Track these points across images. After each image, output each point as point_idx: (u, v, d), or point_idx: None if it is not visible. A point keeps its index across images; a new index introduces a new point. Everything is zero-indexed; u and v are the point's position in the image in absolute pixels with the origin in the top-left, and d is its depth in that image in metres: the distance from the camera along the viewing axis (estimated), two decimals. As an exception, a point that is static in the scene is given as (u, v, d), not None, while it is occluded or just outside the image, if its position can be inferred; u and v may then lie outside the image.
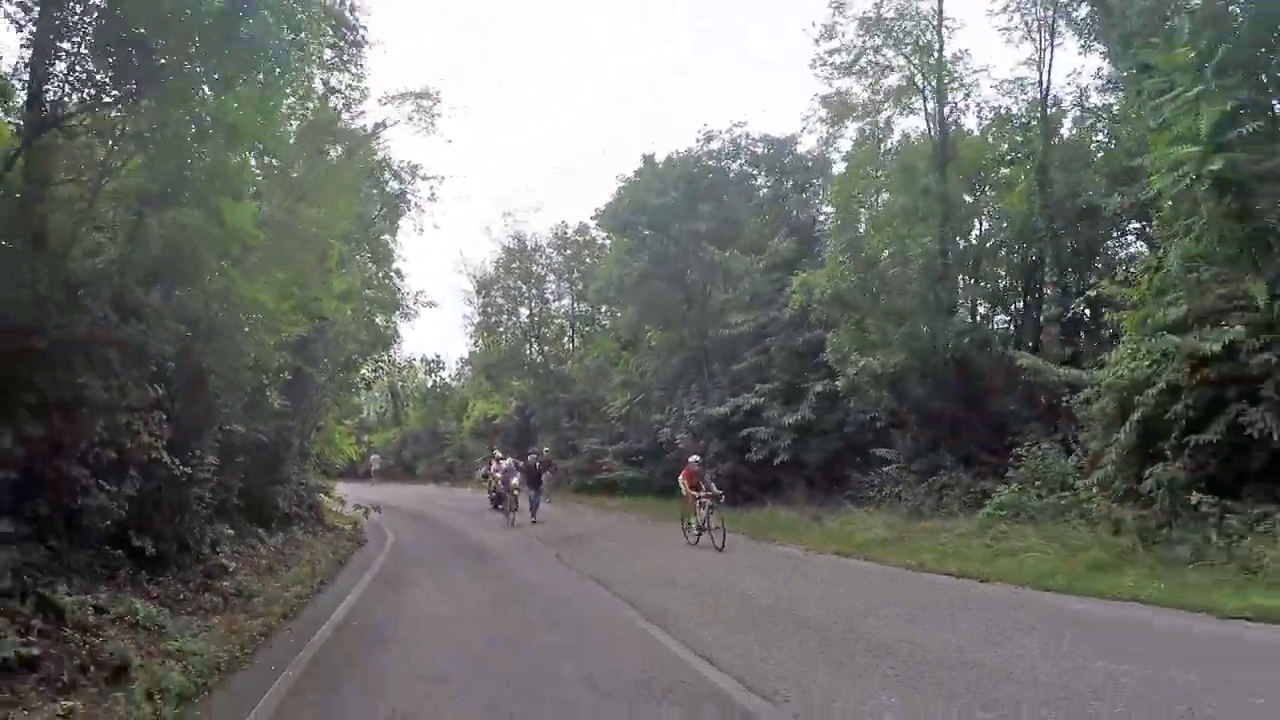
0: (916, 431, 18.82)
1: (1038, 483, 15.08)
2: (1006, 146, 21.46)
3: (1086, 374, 13.74)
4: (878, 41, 20.41)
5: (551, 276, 44.27)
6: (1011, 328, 20.53)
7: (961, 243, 20.96)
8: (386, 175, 25.87)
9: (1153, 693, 6.27)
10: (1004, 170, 21.57)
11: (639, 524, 23.82)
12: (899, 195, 19.87)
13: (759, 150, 29.15)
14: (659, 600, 11.31)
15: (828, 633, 8.90)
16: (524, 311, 44.49)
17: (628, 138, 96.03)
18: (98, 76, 8.61)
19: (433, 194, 28.23)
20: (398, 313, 29.74)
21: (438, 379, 58.93)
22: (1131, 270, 13.95)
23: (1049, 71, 19.75)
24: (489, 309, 44.48)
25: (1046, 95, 19.85)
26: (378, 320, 28.10)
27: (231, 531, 13.65)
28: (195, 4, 8.30)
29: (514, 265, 43.15)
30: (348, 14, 16.14)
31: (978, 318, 21.52)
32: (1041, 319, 18.80)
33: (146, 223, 9.45)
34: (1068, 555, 12.40)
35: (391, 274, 27.98)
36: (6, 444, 7.62)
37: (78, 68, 8.42)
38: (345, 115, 20.88)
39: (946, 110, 21.37)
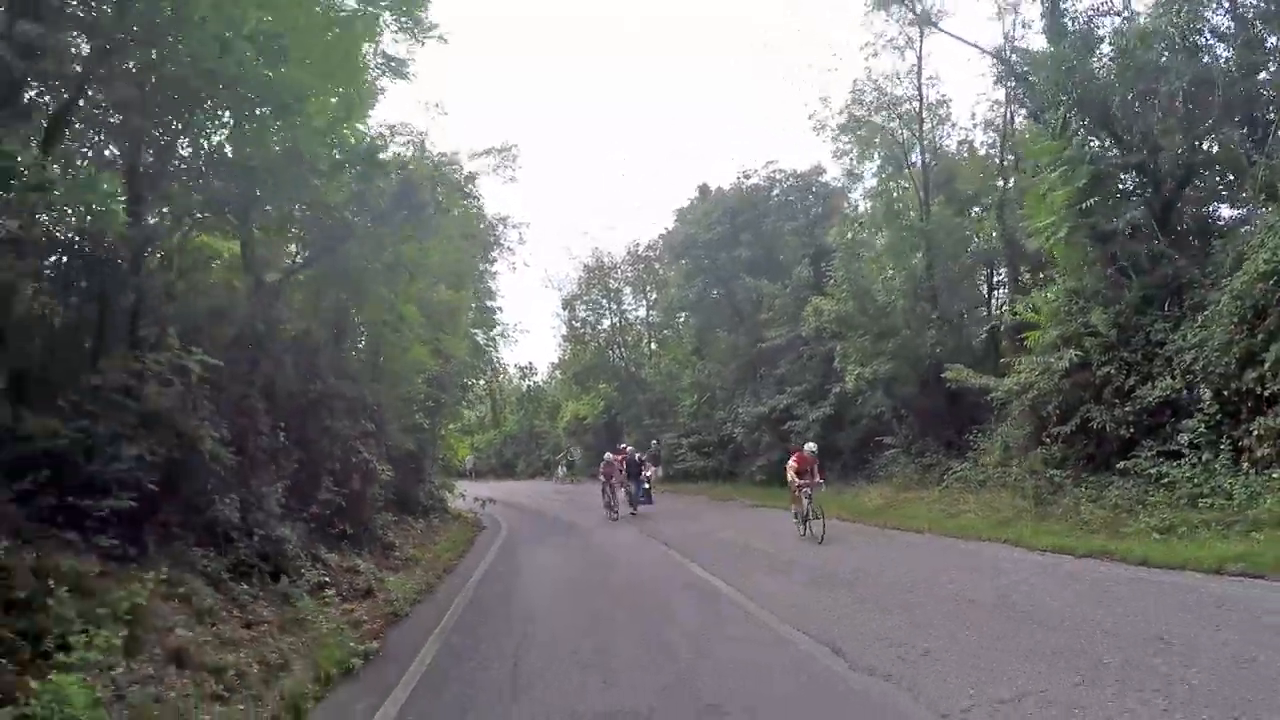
0: (910, 422, 23.65)
1: (986, 460, 19.86)
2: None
3: (994, 380, 18.43)
4: (862, 112, 25.17)
5: (628, 289, 49.86)
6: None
7: (954, 264, 25.55)
8: (481, 225, 31.47)
9: (947, 575, 11.71)
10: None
11: (704, 504, 29.39)
12: (885, 233, 24.68)
13: (789, 184, 34.09)
14: (692, 547, 17.17)
15: (787, 564, 14.35)
16: (605, 322, 50.19)
17: (694, 149, 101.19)
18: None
19: (520, 237, 33.70)
20: (496, 332, 35.77)
21: (531, 383, 64.98)
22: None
23: (1007, 121, 24.21)
24: (574, 322, 50.28)
25: (1005, 141, 24.31)
26: (478, 338, 34.07)
27: (394, 518, 19.54)
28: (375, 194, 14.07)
29: (593, 283, 48.71)
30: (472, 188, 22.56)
31: (996, 311, 26.00)
32: (1000, 330, 23.20)
33: (352, 320, 15.43)
34: (989, 514, 17.32)
35: (493, 307, 33.75)
36: (289, 464, 13.43)
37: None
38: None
39: (940, 140, 26.20)
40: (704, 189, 38.87)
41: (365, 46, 11.95)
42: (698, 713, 6.56)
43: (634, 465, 27.97)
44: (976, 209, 26.93)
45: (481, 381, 35.37)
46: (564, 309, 50.44)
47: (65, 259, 9.90)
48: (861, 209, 30.10)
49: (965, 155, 27.36)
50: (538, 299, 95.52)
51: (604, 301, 49.69)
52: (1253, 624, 7.81)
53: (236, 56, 9.11)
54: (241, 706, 7.30)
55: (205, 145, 11.30)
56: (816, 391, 28.30)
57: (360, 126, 13.52)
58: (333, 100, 11.13)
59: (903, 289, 23.61)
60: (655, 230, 57.77)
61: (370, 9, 11.55)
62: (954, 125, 27.02)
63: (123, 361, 9.70)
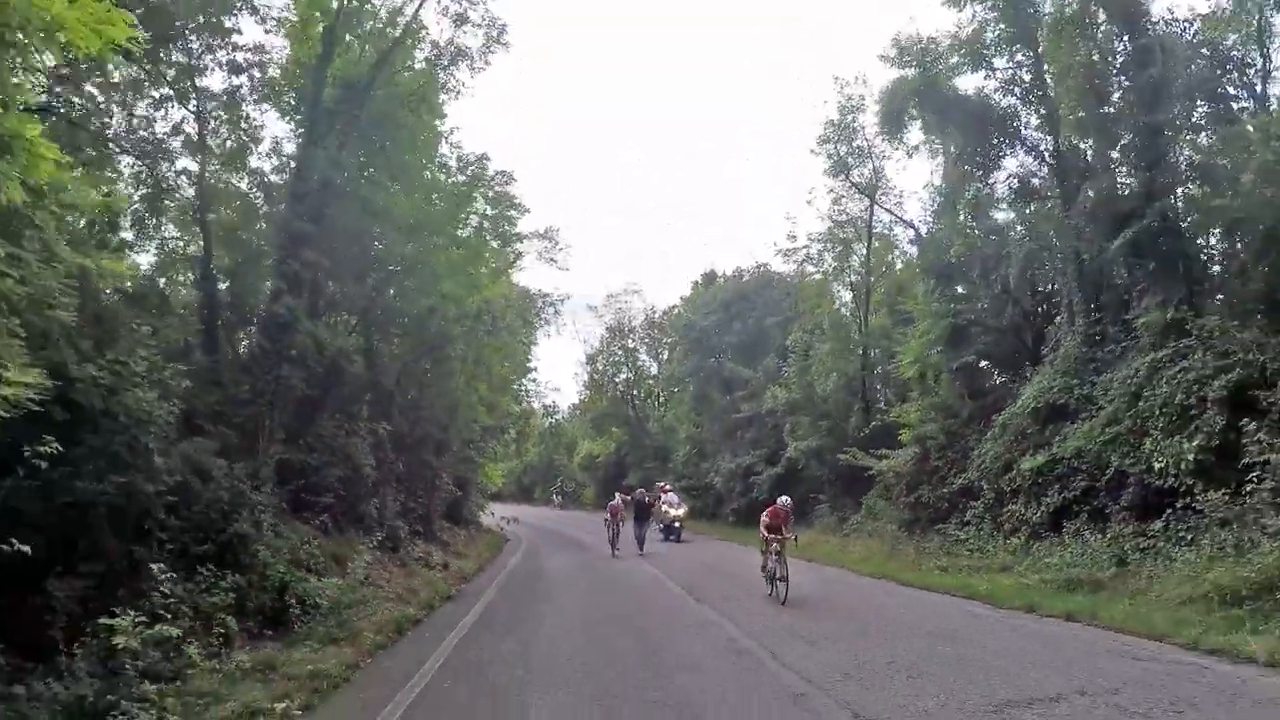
0: (836, 485, 31.42)
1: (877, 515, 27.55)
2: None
3: (873, 462, 26.15)
4: (819, 247, 33.50)
5: (643, 349, 58.08)
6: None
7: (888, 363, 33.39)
8: (524, 301, 39.34)
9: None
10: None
11: (686, 537, 36.72)
12: (830, 342, 32.66)
13: (773, 284, 42.30)
14: (666, 565, 24.65)
15: (704, 567, 22.13)
16: (622, 375, 58.34)
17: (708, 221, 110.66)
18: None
19: (556, 311, 41.34)
20: (529, 380, 43.62)
21: (553, 421, 72.89)
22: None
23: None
24: (594, 374, 58.51)
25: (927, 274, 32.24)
26: (514, 386, 41.84)
27: (447, 525, 27.54)
28: (470, 332, 22.26)
29: (614, 344, 57.04)
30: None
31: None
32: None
33: (431, 394, 23.65)
34: (865, 554, 24.85)
35: (529, 366, 41.72)
36: (401, 483, 21.45)
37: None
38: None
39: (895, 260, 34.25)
40: (709, 275, 47.61)
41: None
42: (626, 614, 14.61)
43: (642, 507, 29.96)
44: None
45: (513, 432, 43.07)
46: (587, 363, 58.96)
47: (311, 366, 17.97)
48: (838, 298, 37.68)
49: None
50: (563, 344, 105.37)
51: (622, 356, 57.89)
52: (921, 610, 15.56)
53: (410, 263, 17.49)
54: (402, 605, 15.27)
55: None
56: (773, 455, 36.17)
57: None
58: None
59: (837, 383, 31.50)
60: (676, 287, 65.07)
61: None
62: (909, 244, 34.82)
63: (333, 423, 17.89)
